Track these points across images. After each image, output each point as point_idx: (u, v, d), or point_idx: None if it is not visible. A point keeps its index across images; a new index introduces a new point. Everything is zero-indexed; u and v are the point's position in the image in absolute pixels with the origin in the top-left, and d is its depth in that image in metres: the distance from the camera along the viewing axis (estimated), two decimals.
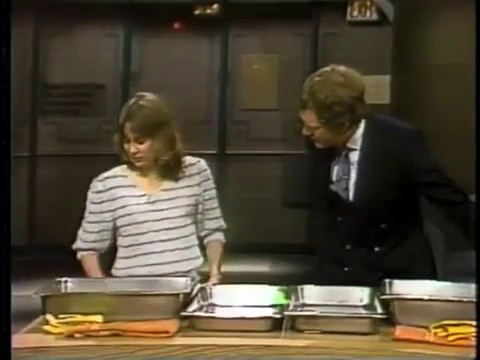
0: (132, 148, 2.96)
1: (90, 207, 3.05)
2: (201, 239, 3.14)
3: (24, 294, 2.50)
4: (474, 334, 2.14)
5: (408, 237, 2.93)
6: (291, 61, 9.23)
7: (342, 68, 2.85)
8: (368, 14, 8.85)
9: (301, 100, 2.85)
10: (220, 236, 3.16)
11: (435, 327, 2.20)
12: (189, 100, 8.75)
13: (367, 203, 2.85)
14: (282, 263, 8.28)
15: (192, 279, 2.61)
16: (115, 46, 9.43)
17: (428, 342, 2.16)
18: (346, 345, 2.16)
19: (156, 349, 2.19)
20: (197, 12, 9.22)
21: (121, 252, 3.05)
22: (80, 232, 3.09)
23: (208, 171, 3.11)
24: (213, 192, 3.13)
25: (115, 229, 3.04)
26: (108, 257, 3.11)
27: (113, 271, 3.05)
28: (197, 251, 3.09)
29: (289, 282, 2.61)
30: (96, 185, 3.04)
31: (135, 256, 3.01)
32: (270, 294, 2.52)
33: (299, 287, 2.53)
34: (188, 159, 3.08)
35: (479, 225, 2.64)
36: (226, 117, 9.36)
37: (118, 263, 3.06)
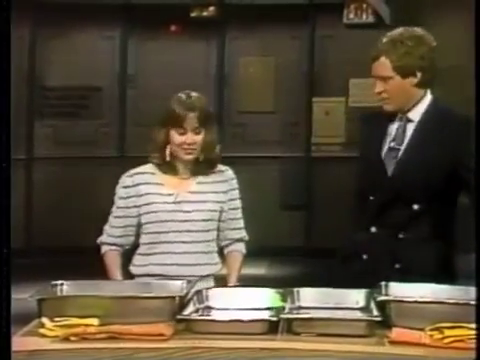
0: (189, 139, 2.98)
1: (118, 202, 3.08)
2: (221, 248, 3.14)
3: (20, 297, 2.49)
4: (474, 336, 2.13)
5: (435, 234, 2.89)
6: (288, 64, 9.25)
7: (414, 27, 2.94)
8: (364, 16, 8.87)
9: (374, 53, 2.89)
10: (241, 247, 3.16)
11: (431, 329, 2.20)
12: None
13: (408, 176, 2.84)
14: (279, 266, 8.28)
15: (188, 282, 2.61)
16: (112, 48, 9.44)
17: (424, 344, 2.17)
18: (342, 348, 2.16)
19: (152, 352, 2.18)
20: (194, 14, 9.23)
21: (141, 249, 3.07)
22: (106, 226, 3.11)
23: (235, 180, 3.13)
24: (237, 202, 3.14)
25: (139, 226, 3.06)
26: (131, 253, 3.13)
27: (131, 267, 3.07)
28: (216, 257, 3.09)
29: (286, 285, 2.61)
30: (125, 180, 3.08)
31: (154, 254, 3.02)
32: (266, 297, 2.52)
33: (295, 289, 2.53)
34: (218, 165, 3.11)
35: (479, 226, 2.63)
36: (223, 119, 9.36)
37: (136, 260, 3.07)
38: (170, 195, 3.02)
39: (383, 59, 2.86)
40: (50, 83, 9.28)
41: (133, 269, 3.05)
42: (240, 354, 2.16)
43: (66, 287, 2.55)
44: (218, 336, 2.23)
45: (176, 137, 2.99)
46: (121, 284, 2.69)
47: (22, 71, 8.89)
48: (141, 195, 3.03)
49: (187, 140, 2.98)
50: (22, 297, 2.51)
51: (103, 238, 3.10)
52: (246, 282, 3.07)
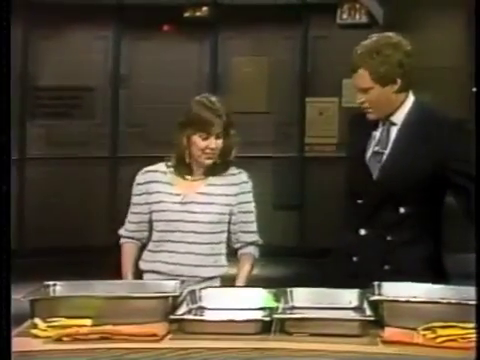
0: (212, 144, 3.00)
1: (133, 198, 3.17)
2: (233, 250, 3.15)
3: (13, 297, 2.49)
4: (473, 335, 2.13)
5: (423, 235, 2.90)
6: (281, 64, 9.24)
7: (388, 33, 2.93)
8: (358, 17, 8.87)
9: (352, 64, 2.89)
10: (253, 250, 3.18)
11: (424, 329, 2.21)
12: (178, 103, 8.73)
13: (393, 180, 2.84)
14: (272, 266, 8.27)
15: (182, 282, 2.61)
16: (105, 48, 9.42)
17: (417, 344, 2.17)
18: (335, 347, 2.16)
19: (145, 352, 2.18)
20: (187, 14, 9.22)
21: (150, 245, 3.13)
22: (126, 220, 3.19)
23: (249, 184, 3.15)
24: (250, 206, 3.15)
25: (152, 222, 3.11)
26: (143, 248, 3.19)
27: (140, 262, 3.12)
28: (223, 260, 3.11)
29: (279, 285, 2.61)
30: (139, 178, 3.15)
31: (160, 252, 3.06)
32: (259, 297, 2.52)
33: (288, 289, 2.53)
34: (231, 169, 3.12)
35: (479, 226, 2.63)
36: None
37: (145, 255, 3.13)
38: (178, 195, 3.05)
39: (361, 71, 2.85)
40: (43, 83, 9.25)
41: (142, 264, 3.11)
42: (233, 354, 2.16)
43: (59, 288, 2.54)
44: (211, 336, 2.23)
45: (199, 142, 3.00)
46: (114, 284, 2.68)
47: (15, 71, 8.85)
48: (151, 193, 3.08)
49: (210, 145, 3.00)
50: (15, 298, 2.50)
51: (121, 231, 3.19)
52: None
